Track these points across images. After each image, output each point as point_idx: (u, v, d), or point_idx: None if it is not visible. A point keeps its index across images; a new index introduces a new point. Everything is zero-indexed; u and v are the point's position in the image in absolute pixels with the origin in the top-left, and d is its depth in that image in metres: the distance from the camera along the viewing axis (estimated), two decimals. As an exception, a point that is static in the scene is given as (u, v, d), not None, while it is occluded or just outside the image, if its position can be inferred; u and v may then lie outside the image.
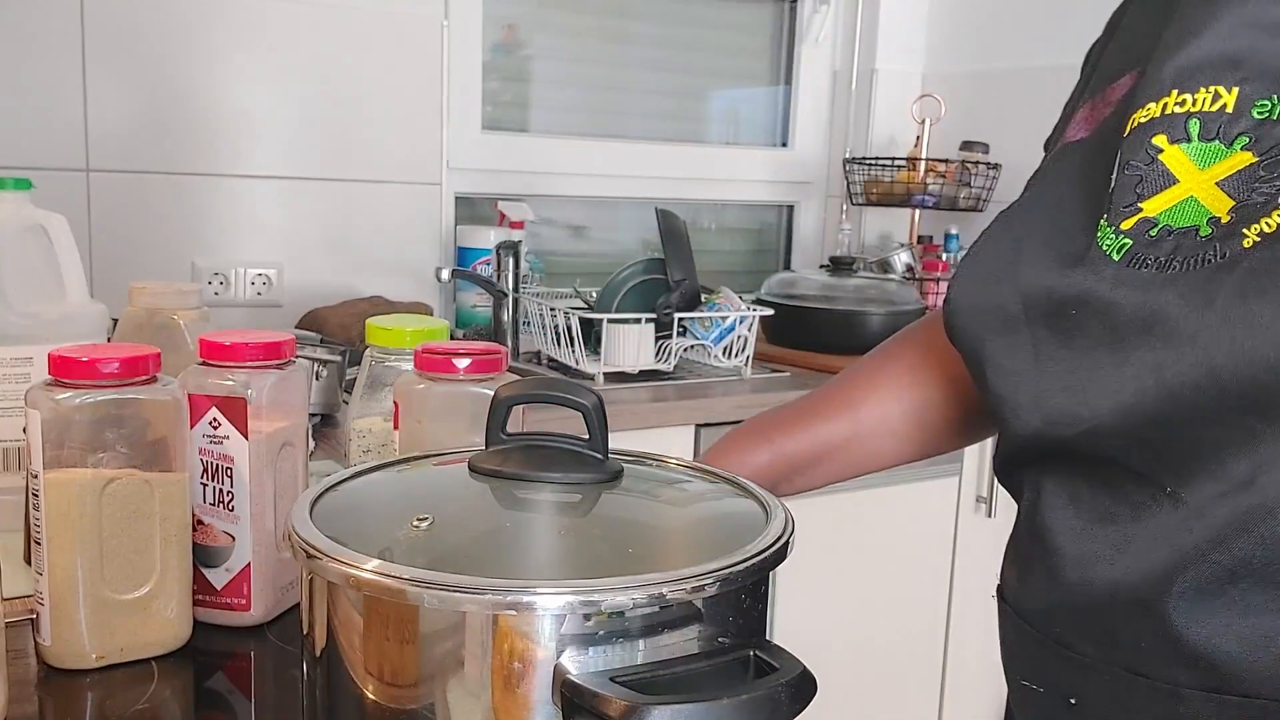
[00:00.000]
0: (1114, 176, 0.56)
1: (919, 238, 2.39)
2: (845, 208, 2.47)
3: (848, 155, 2.45)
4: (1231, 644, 0.51)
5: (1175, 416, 0.51)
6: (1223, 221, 0.51)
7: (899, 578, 1.89)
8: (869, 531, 1.83)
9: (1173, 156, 0.54)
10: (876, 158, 2.33)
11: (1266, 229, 0.49)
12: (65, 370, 0.66)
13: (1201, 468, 0.51)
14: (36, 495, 0.67)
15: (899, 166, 2.30)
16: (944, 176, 2.25)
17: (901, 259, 2.26)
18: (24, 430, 0.68)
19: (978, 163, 2.23)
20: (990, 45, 2.39)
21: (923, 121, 2.31)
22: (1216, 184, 0.52)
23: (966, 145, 2.26)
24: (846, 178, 2.38)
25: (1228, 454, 0.50)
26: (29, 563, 0.72)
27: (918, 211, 2.37)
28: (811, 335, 1.97)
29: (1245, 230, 0.50)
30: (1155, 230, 0.53)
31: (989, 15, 2.39)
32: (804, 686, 0.45)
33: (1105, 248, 0.55)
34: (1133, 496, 0.54)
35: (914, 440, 0.78)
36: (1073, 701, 0.58)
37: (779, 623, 1.69)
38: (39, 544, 0.67)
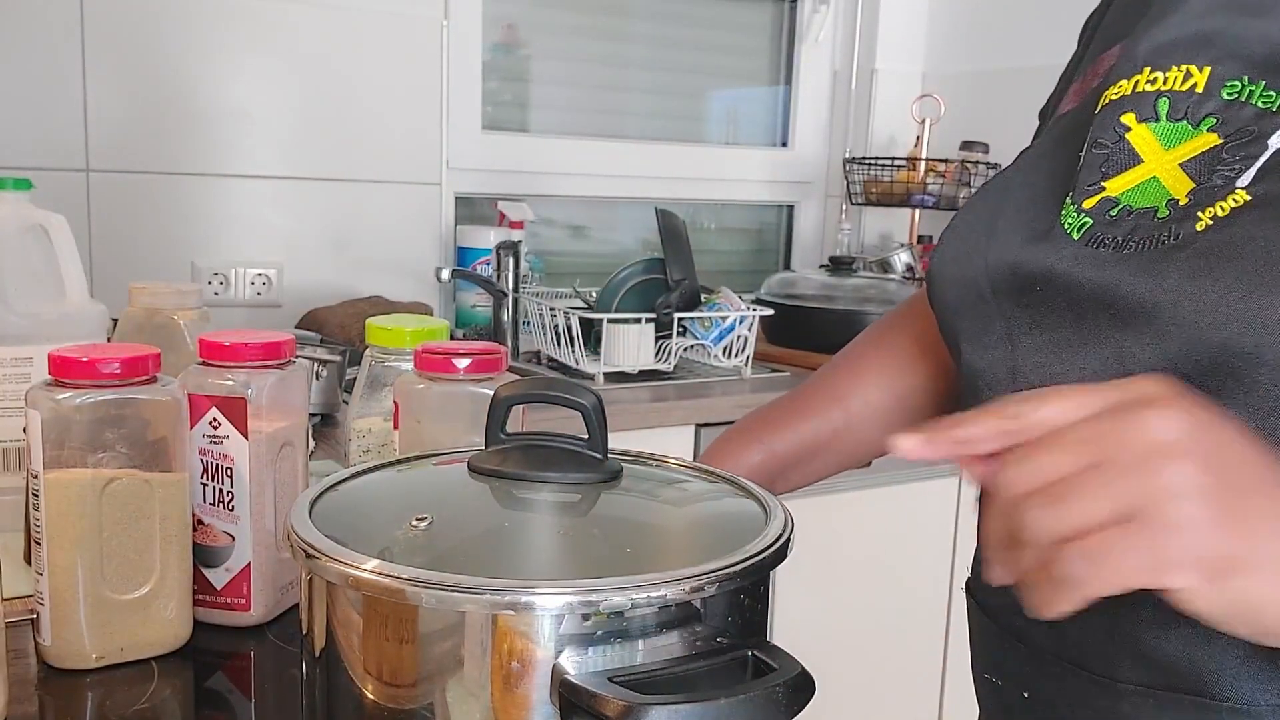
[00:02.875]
0: (1082, 154, 0.56)
1: (919, 237, 2.39)
2: (845, 208, 2.47)
3: (848, 155, 2.45)
4: (1172, 643, 0.51)
5: None
6: (1180, 204, 0.51)
7: (899, 578, 1.89)
8: (869, 531, 1.83)
9: (1140, 136, 0.54)
10: (876, 158, 2.33)
11: (1219, 213, 0.49)
12: (65, 370, 0.66)
13: None
14: (36, 495, 0.67)
15: (899, 166, 2.30)
16: (944, 176, 2.25)
17: (901, 259, 2.26)
18: (24, 430, 0.68)
19: (978, 163, 2.23)
20: (990, 45, 2.39)
21: (923, 121, 2.31)
22: (1180, 165, 0.52)
23: (966, 145, 2.26)
24: (846, 177, 2.38)
25: None
26: (29, 563, 0.72)
27: (918, 211, 2.38)
28: (811, 335, 1.97)
29: (1200, 214, 0.50)
30: (1116, 210, 0.53)
31: (989, 15, 2.39)
32: (802, 686, 0.45)
33: (1067, 226, 0.55)
34: None
35: (905, 425, 0.78)
36: (1025, 695, 0.59)
37: (779, 623, 1.69)
38: (39, 544, 0.67)
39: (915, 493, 1.86)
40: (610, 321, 1.73)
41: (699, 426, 1.64)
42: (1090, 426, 0.40)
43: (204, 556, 0.74)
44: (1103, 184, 0.54)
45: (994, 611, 0.62)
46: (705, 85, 2.44)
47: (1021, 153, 0.63)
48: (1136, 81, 0.54)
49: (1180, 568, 0.39)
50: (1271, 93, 0.50)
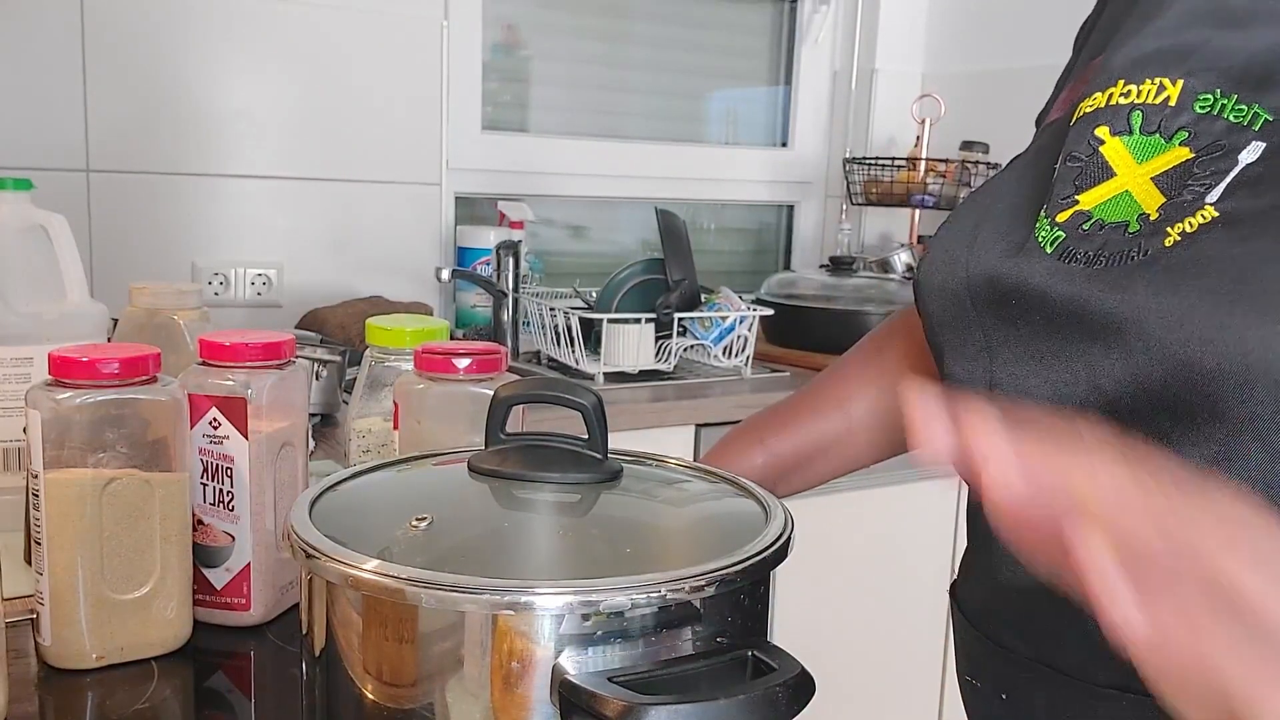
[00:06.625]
0: (1056, 166, 0.55)
1: (919, 238, 2.39)
2: (845, 208, 2.47)
3: (848, 155, 2.45)
4: None
5: (1101, 411, 0.51)
6: (1151, 218, 0.51)
7: (899, 578, 1.89)
8: (869, 531, 1.83)
9: (1113, 149, 0.53)
10: (876, 158, 2.33)
11: (1188, 229, 0.49)
12: (65, 370, 0.66)
13: None
14: (37, 495, 0.67)
15: (899, 166, 2.30)
16: (944, 176, 2.25)
17: (901, 259, 2.26)
18: (24, 430, 0.68)
19: (978, 163, 2.23)
20: (990, 45, 2.39)
21: (923, 121, 2.31)
22: (1152, 179, 0.52)
23: (966, 145, 2.26)
24: (846, 178, 2.38)
25: None
26: (29, 563, 0.72)
27: (918, 211, 2.38)
28: (811, 335, 1.97)
29: (1169, 229, 0.50)
30: (1088, 224, 0.53)
31: (989, 15, 2.39)
32: (802, 687, 0.45)
33: (1040, 239, 0.54)
34: None
35: (903, 433, 0.78)
36: (1004, 696, 0.59)
37: (779, 623, 1.69)
38: (39, 544, 0.67)
39: (915, 493, 1.86)
40: (610, 321, 1.73)
41: (699, 426, 1.64)
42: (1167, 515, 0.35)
43: (204, 556, 0.74)
44: (1076, 197, 0.54)
45: (973, 615, 0.62)
46: (705, 86, 2.44)
47: (1012, 160, 0.63)
48: (1111, 94, 0.54)
49: None
50: (1243, 107, 0.50)
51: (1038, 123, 0.68)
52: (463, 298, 2.01)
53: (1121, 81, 0.54)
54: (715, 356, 1.82)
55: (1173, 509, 0.36)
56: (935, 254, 0.62)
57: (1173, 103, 0.52)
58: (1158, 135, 0.52)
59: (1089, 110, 0.55)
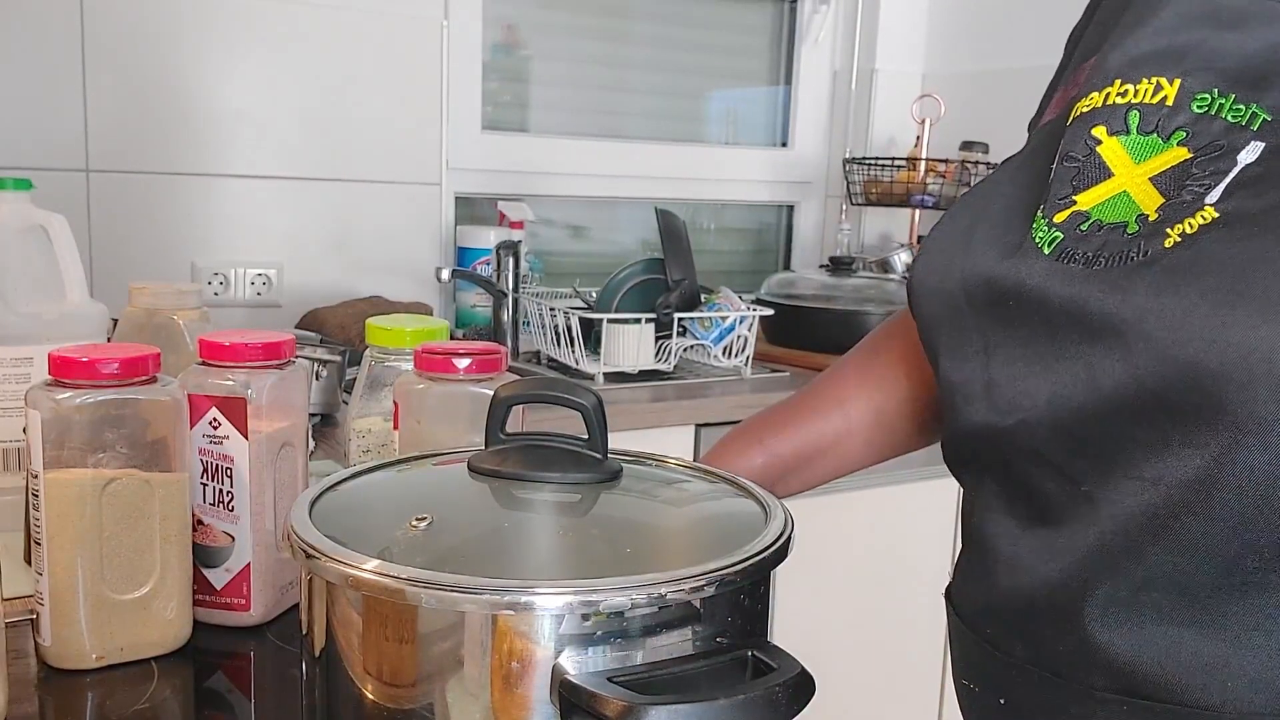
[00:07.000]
0: (1053, 166, 0.55)
1: (919, 238, 2.39)
2: (845, 208, 2.47)
3: (847, 155, 2.45)
4: (1143, 651, 0.51)
5: (1099, 412, 0.51)
6: (1150, 219, 0.51)
7: (899, 578, 1.89)
8: (869, 531, 1.83)
9: (1110, 149, 0.53)
10: (876, 158, 2.33)
11: (1188, 229, 0.49)
12: (65, 370, 0.66)
13: (1116, 467, 0.51)
14: (36, 495, 0.67)
15: (899, 166, 2.30)
16: (944, 176, 2.25)
17: (901, 259, 2.25)
18: (24, 430, 0.68)
19: (977, 163, 2.23)
20: (990, 45, 2.39)
21: (923, 121, 2.31)
22: (1150, 179, 0.51)
23: (966, 145, 2.26)
24: (846, 178, 2.38)
25: (1140, 454, 0.49)
26: (29, 563, 0.72)
27: (918, 211, 2.38)
28: (811, 335, 1.97)
29: (1169, 230, 0.49)
30: (1086, 225, 0.53)
31: (989, 15, 2.39)
32: (802, 687, 0.45)
33: (1038, 240, 0.54)
34: (1056, 498, 0.54)
35: (906, 432, 0.78)
36: (1002, 701, 0.59)
37: (779, 623, 1.69)
38: (39, 544, 0.67)
39: (915, 493, 1.86)
40: (610, 321, 1.73)
41: (699, 426, 1.64)
42: None
43: (204, 556, 0.74)
44: (1074, 198, 0.54)
45: (970, 619, 0.62)
46: (705, 85, 2.44)
47: (1005, 161, 0.63)
48: (1107, 94, 0.54)
49: None
50: (1241, 106, 0.49)
51: (1030, 128, 0.68)
52: (463, 298, 2.01)
53: (1118, 81, 0.54)
54: (715, 356, 1.82)
55: None
56: (929, 256, 0.62)
57: (1170, 102, 0.52)
58: (1155, 135, 0.52)
59: (1085, 110, 0.55)
